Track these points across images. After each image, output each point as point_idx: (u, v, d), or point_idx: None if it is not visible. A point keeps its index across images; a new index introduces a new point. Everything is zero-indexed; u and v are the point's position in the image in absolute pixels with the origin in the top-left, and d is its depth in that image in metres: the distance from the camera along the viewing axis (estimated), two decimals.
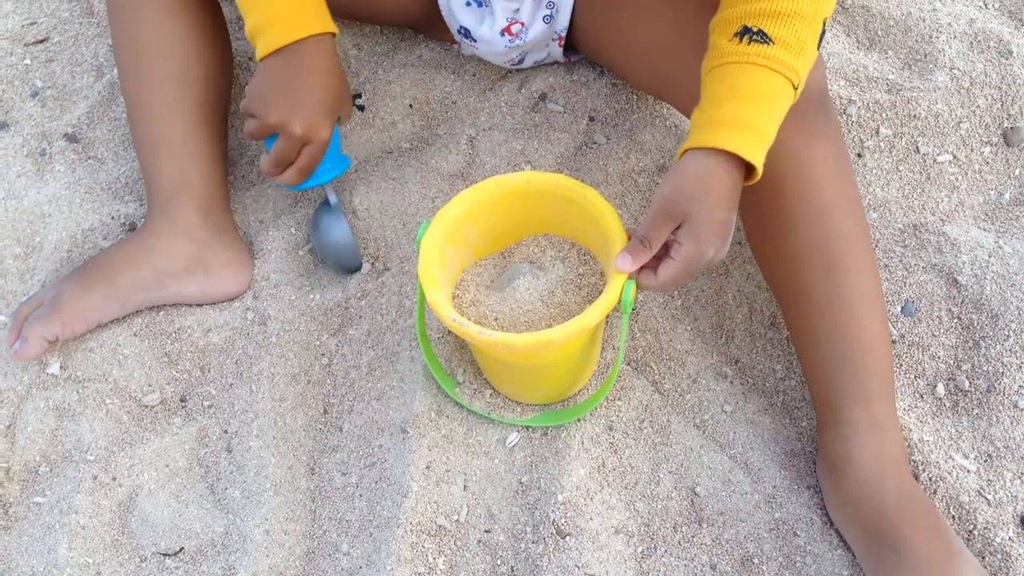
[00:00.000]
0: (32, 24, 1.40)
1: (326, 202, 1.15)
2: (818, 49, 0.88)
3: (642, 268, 0.88)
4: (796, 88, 0.86)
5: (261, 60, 1.02)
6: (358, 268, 1.17)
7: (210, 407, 1.10)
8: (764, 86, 0.84)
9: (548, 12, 1.14)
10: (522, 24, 1.14)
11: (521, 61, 1.23)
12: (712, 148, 0.84)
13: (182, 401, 1.11)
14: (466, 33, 1.19)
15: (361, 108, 1.29)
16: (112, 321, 1.13)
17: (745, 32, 0.85)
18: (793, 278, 0.98)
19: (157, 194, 1.14)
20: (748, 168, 0.86)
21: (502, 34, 1.15)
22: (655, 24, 1.06)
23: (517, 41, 1.16)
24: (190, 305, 1.16)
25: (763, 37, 0.84)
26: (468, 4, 1.16)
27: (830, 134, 0.96)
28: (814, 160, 0.94)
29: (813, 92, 0.94)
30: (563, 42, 1.19)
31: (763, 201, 0.96)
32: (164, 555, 1.01)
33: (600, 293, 0.92)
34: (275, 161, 1.04)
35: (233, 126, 1.28)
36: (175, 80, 1.13)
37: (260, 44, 1.02)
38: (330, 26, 1.03)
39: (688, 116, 1.02)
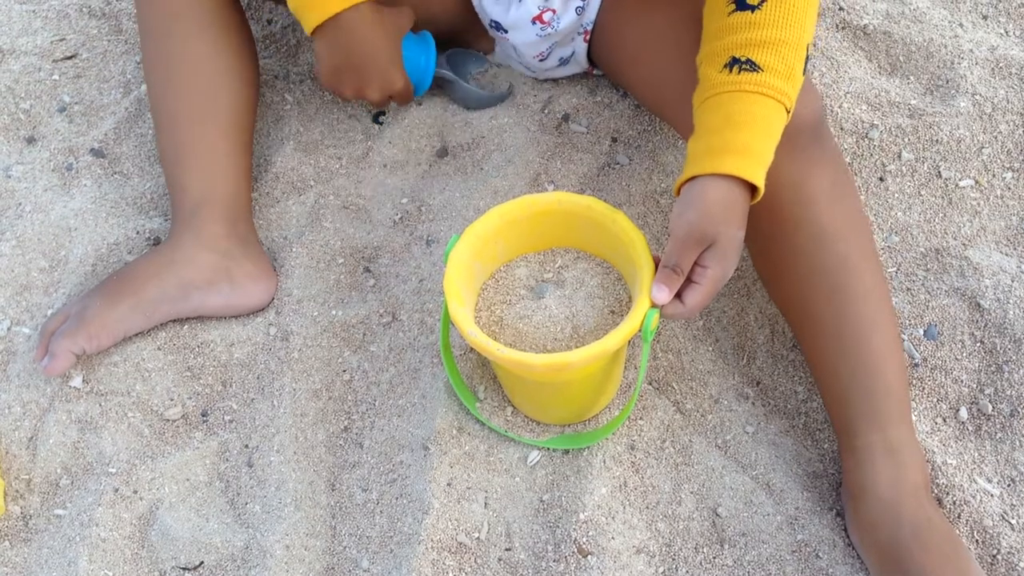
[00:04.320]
0: (61, 40, 1.42)
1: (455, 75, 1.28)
2: (804, 73, 0.91)
3: None
4: (788, 111, 0.89)
5: (312, 35, 1.10)
6: (503, 98, 1.30)
7: (231, 422, 1.11)
8: (759, 111, 0.87)
9: (580, 4, 1.17)
10: (554, 12, 1.16)
11: (547, 57, 1.24)
12: (722, 174, 0.86)
13: (203, 415, 1.11)
14: (497, 26, 1.21)
15: (380, 123, 1.31)
16: (137, 334, 1.14)
17: (734, 63, 0.88)
18: (800, 304, 0.99)
19: (182, 207, 1.15)
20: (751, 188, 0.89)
21: (533, 22, 1.17)
22: (665, 50, 1.08)
23: (548, 30, 1.18)
24: (215, 318, 1.16)
25: (752, 66, 0.87)
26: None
27: (826, 160, 0.98)
28: (811, 187, 0.96)
29: (808, 121, 0.96)
30: (588, 37, 1.20)
31: (765, 229, 0.98)
32: (184, 569, 1.01)
33: (624, 318, 0.92)
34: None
35: (258, 142, 1.30)
36: (203, 95, 1.15)
37: (304, 23, 1.09)
38: None
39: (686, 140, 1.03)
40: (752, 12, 0.89)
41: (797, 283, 0.98)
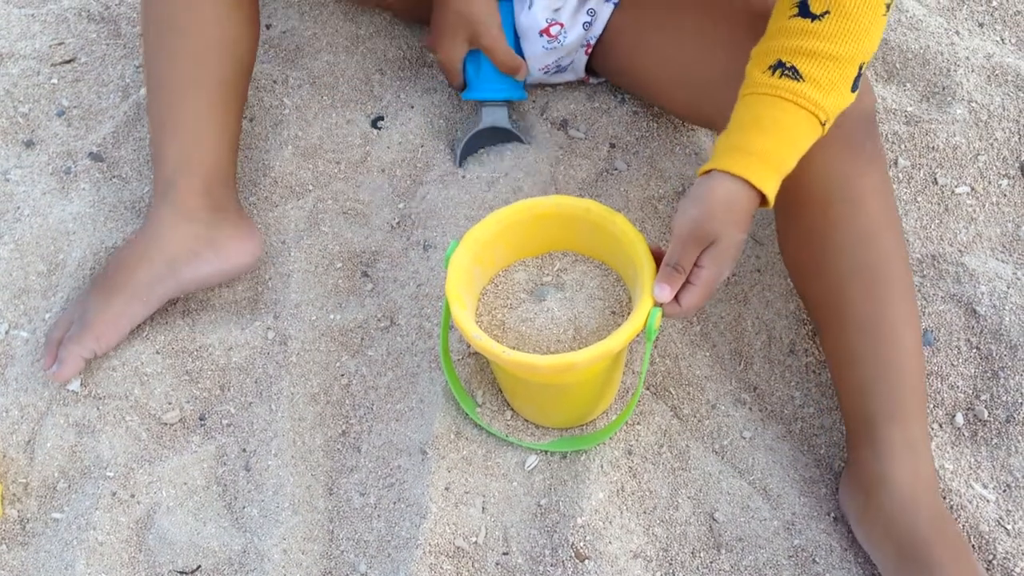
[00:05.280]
0: (59, 44, 1.42)
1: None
2: (853, 91, 0.90)
3: None
4: (824, 124, 0.89)
5: None
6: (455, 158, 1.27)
7: (229, 426, 1.11)
8: (788, 120, 0.87)
9: (588, 19, 1.17)
10: (561, 25, 1.17)
11: (556, 70, 1.25)
12: (733, 174, 0.86)
13: (201, 419, 1.11)
14: None
15: (378, 128, 1.31)
16: (136, 337, 1.14)
17: (779, 66, 0.88)
18: (835, 297, 0.99)
19: (160, 176, 1.14)
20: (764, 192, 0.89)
21: (540, 35, 1.18)
22: (693, 47, 1.08)
23: (555, 43, 1.18)
24: (213, 319, 1.16)
25: (794, 73, 0.87)
26: None
27: (877, 158, 0.99)
28: (864, 184, 0.97)
29: (862, 116, 0.96)
30: (590, 50, 1.21)
31: (808, 222, 0.98)
32: (181, 573, 1.01)
33: (625, 318, 0.93)
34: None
35: (256, 146, 1.30)
36: (194, 59, 1.13)
37: None
38: None
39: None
40: (812, 21, 0.88)
41: (837, 276, 0.98)
